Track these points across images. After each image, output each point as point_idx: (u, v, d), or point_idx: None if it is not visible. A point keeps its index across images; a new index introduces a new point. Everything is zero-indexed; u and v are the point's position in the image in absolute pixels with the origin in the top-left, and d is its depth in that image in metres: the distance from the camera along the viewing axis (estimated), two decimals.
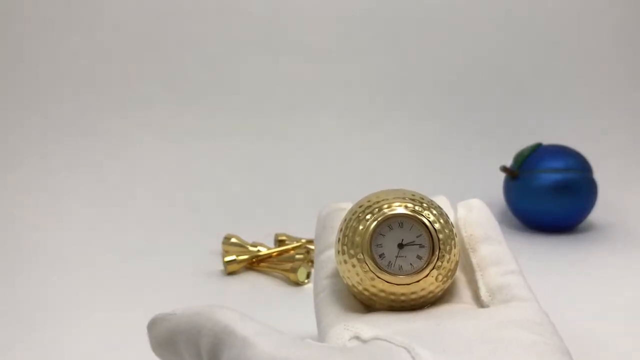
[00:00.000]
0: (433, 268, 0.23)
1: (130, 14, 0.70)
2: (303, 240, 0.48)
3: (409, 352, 0.19)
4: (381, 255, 0.24)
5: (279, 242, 0.49)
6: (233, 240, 0.48)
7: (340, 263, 0.25)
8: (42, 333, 0.36)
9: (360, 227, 0.24)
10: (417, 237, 0.24)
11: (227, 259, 0.45)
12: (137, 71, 0.70)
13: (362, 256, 0.24)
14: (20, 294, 0.42)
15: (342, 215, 0.27)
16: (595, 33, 0.79)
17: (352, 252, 0.24)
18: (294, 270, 0.44)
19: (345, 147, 0.71)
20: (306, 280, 0.44)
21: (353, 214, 0.25)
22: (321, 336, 0.24)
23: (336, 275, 0.26)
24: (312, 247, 0.49)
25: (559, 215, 0.53)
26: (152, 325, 0.23)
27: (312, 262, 0.47)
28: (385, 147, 0.71)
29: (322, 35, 0.74)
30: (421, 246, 0.24)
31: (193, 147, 0.69)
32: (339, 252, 0.25)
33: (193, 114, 0.71)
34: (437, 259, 0.23)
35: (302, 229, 0.51)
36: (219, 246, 0.49)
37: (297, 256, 0.45)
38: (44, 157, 0.66)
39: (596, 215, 0.56)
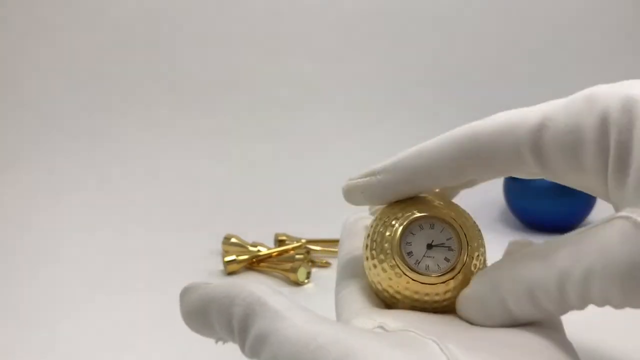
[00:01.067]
0: (459, 272, 0.23)
1: (130, 13, 0.70)
2: (303, 240, 0.48)
3: (437, 343, 0.19)
4: (409, 253, 0.24)
5: (279, 242, 0.49)
6: (233, 240, 0.48)
7: (367, 259, 0.25)
8: (42, 333, 0.36)
9: (393, 222, 0.24)
10: (447, 239, 0.24)
11: (227, 259, 0.45)
12: (137, 71, 0.70)
13: (390, 252, 0.24)
14: (20, 294, 0.42)
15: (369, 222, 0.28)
16: (595, 33, 0.79)
17: (381, 247, 0.24)
18: (294, 270, 0.44)
19: (345, 147, 0.70)
20: (306, 280, 0.44)
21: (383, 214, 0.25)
22: None
23: (360, 275, 0.26)
24: (312, 247, 0.49)
25: (559, 215, 0.53)
26: (185, 293, 0.23)
27: (312, 262, 0.47)
28: (385, 147, 0.71)
29: (322, 35, 0.74)
30: (450, 249, 0.24)
31: (193, 147, 0.69)
32: (367, 246, 0.25)
33: (193, 114, 0.71)
34: (465, 263, 0.24)
35: (302, 229, 0.51)
36: (219, 246, 0.49)
37: (297, 256, 0.45)
38: (43, 157, 0.66)
39: (596, 215, 0.56)
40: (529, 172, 0.22)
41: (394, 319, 0.22)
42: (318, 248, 0.50)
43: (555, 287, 0.20)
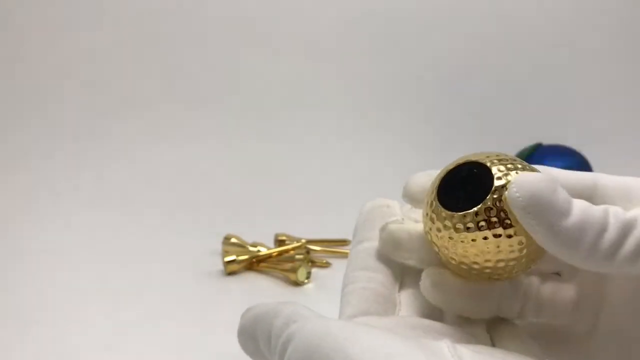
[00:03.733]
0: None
1: (130, 13, 0.70)
2: (303, 241, 0.48)
3: (447, 345, 0.19)
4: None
5: (279, 242, 0.49)
6: (233, 240, 0.48)
7: (441, 238, 0.22)
8: (42, 333, 0.36)
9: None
10: None
11: (227, 259, 0.45)
12: (137, 72, 0.70)
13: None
14: (20, 294, 0.42)
15: (387, 211, 0.27)
16: (595, 33, 0.79)
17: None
18: (294, 270, 0.44)
19: (345, 147, 0.70)
20: (306, 281, 0.44)
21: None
22: None
23: (370, 268, 0.25)
24: (312, 247, 0.49)
25: None
26: (245, 312, 0.24)
27: (312, 262, 0.47)
28: (385, 148, 0.71)
29: (322, 35, 0.74)
30: None
31: (193, 147, 0.69)
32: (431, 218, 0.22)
33: (193, 114, 0.70)
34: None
35: (302, 229, 0.51)
36: (219, 246, 0.49)
37: (297, 256, 0.45)
38: (44, 158, 0.65)
39: None
40: None
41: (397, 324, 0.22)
42: (318, 248, 0.50)
43: None
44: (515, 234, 0.21)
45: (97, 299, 0.42)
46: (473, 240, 0.21)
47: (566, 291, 0.24)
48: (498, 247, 0.21)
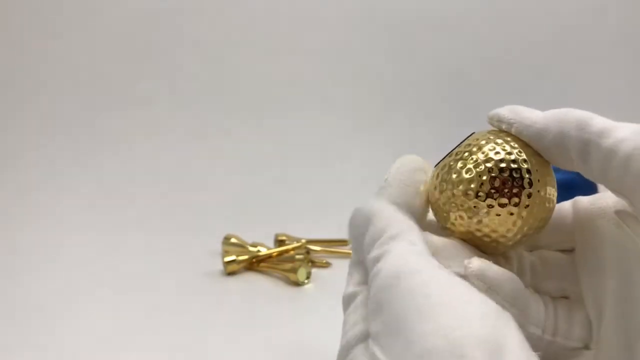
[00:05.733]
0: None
1: (130, 13, 0.70)
2: (303, 241, 0.48)
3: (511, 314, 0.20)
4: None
5: (279, 242, 0.49)
6: (233, 240, 0.48)
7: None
8: (42, 333, 0.36)
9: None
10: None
11: (227, 259, 0.45)
12: (137, 71, 0.70)
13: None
14: (20, 294, 0.42)
15: (422, 179, 0.27)
16: (595, 33, 0.79)
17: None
18: (294, 270, 0.44)
19: (345, 147, 0.70)
20: (306, 281, 0.44)
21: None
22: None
23: (400, 220, 0.25)
24: (312, 247, 0.49)
25: None
26: (366, 204, 0.25)
27: (312, 262, 0.47)
28: (385, 147, 0.71)
29: (322, 35, 0.74)
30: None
31: (193, 147, 0.69)
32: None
33: (193, 114, 0.70)
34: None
35: (302, 229, 0.51)
36: (219, 246, 0.49)
37: (297, 256, 0.45)
38: (43, 158, 0.66)
39: None
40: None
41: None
42: (318, 248, 0.50)
43: None
44: (514, 204, 0.24)
45: (96, 298, 0.42)
46: (474, 207, 0.24)
47: (579, 310, 0.25)
48: (499, 215, 0.24)
